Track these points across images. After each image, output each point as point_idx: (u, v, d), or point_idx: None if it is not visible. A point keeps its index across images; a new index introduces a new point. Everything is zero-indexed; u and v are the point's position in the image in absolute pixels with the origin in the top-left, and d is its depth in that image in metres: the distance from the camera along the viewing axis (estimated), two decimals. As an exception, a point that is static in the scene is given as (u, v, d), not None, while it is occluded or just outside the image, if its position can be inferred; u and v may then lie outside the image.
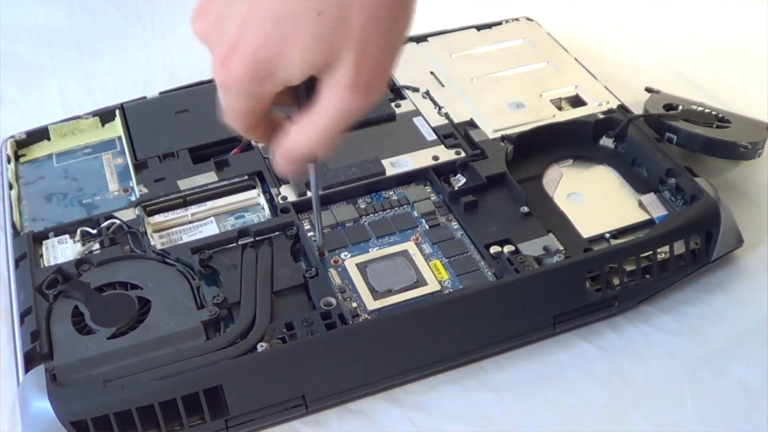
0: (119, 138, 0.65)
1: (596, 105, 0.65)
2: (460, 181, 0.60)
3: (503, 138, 0.62)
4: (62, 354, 0.48)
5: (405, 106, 0.67)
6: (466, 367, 0.51)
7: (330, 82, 0.38)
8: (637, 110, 0.65)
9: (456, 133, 0.63)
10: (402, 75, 0.70)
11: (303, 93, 0.40)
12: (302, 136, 0.40)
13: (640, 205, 0.58)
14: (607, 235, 0.56)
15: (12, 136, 0.65)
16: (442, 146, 0.62)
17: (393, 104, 0.66)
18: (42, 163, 0.64)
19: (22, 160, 0.64)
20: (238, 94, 0.39)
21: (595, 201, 0.59)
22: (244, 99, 0.39)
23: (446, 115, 0.65)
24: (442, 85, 0.69)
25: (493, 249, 0.54)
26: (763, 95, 0.71)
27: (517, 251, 0.54)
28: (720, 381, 0.50)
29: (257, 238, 0.56)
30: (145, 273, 0.53)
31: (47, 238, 0.56)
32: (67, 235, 0.57)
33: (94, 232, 0.56)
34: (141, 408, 0.45)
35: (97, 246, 0.55)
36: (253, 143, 0.63)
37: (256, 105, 0.40)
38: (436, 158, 0.61)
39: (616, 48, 0.80)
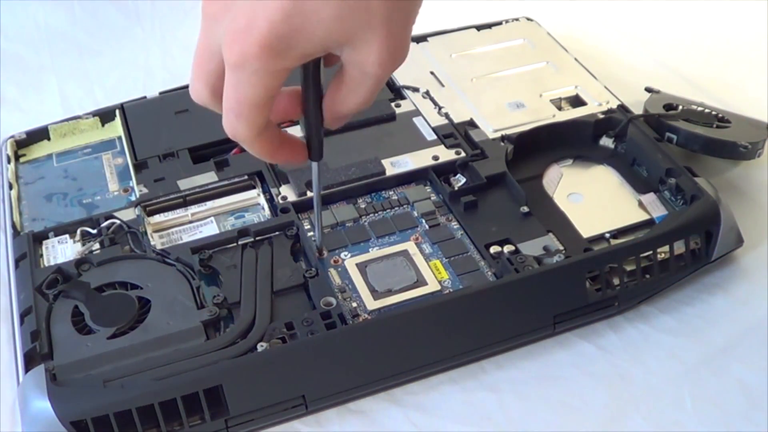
0: (119, 138, 0.65)
1: (596, 105, 0.65)
2: (460, 181, 0.60)
3: (503, 138, 0.62)
4: (62, 354, 0.48)
5: (405, 106, 0.67)
6: (466, 367, 0.51)
7: (356, 59, 0.39)
8: (637, 110, 0.65)
9: (456, 133, 0.63)
10: (402, 75, 0.70)
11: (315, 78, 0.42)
12: (340, 110, 0.42)
13: (640, 205, 0.58)
14: (607, 235, 0.56)
15: (12, 136, 0.65)
16: (442, 146, 0.62)
17: (393, 104, 0.66)
18: (42, 163, 0.64)
19: (22, 160, 0.64)
20: (253, 72, 0.38)
21: (595, 201, 0.59)
22: (258, 77, 0.38)
23: (446, 115, 0.65)
24: (442, 85, 0.69)
25: (493, 249, 0.54)
26: (763, 95, 0.71)
27: (517, 251, 0.54)
28: (720, 381, 0.50)
29: (257, 238, 0.56)
30: (145, 273, 0.53)
31: (47, 238, 0.56)
32: (67, 235, 0.57)
33: (94, 232, 0.56)
34: (141, 408, 0.45)
35: (97, 246, 0.55)
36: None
37: (271, 84, 0.39)
38: (436, 158, 0.61)
39: (616, 48, 0.80)
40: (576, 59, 0.71)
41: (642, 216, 0.57)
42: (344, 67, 0.40)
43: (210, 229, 0.57)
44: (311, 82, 0.43)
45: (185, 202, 0.59)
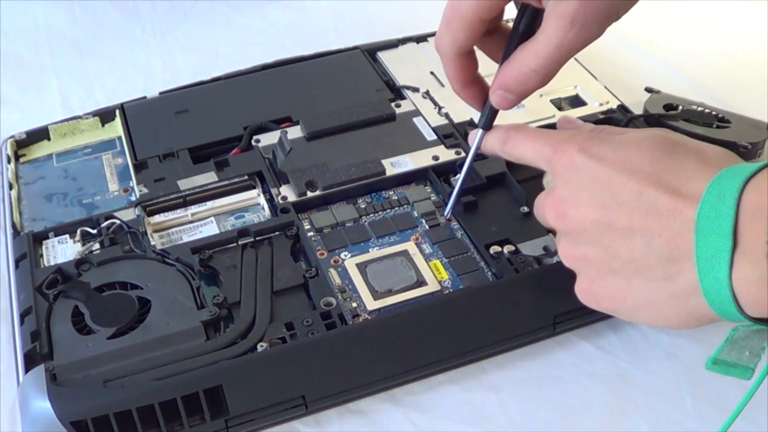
0: (119, 138, 0.65)
1: (596, 105, 0.65)
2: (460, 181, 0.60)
3: (503, 138, 0.62)
4: (62, 354, 0.48)
5: (405, 106, 0.67)
6: (466, 367, 0.51)
7: (555, 11, 0.42)
8: (637, 110, 0.65)
9: (456, 133, 0.63)
10: (402, 75, 0.70)
11: (523, 24, 0.45)
12: (522, 62, 0.44)
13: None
14: (607, 235, 0.56)
15: (12, 136, 0.65)
16: (442, 146, 0.62)
17: (393, 104, 0.66)
18: (42, 163, 0.64)
19: (22, 160, 0.64)
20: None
21: (595, 201, 0.59)
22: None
23: (446, 115, 0.65)
24: (442, 85, 0.69)
25: (493, 249, 0.54)
26: (763, 95, 0.71)
27: (517, 251, 0.54)
28: (720, 381, 0.50)
29: (257, 238, 0.56)
30: (145, 273, 0.53)
31: (47, 238, 0.56)
32: (67, 235, 0.57)
33: (94, 232, 0.56)
34: (141, 408, 0.45)
35: (97, 246, 0.55)
36: (252, 143, 0.63)
37: (481, 5, 0.44)
38: (436, 158, 0.61)
39: (616, 48, 0.80)
40: (576, 59, 0.71)
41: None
42: (540, 27, 0.43)
43: (210, 229, 0.57)
44: (518, 33, 0.46)
45: (185, 202, 0.59)
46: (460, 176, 0.54)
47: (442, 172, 0.60)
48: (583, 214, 0.42)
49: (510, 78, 0.45)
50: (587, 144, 0.43)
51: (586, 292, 0.44)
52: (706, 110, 0.65)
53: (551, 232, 0.55)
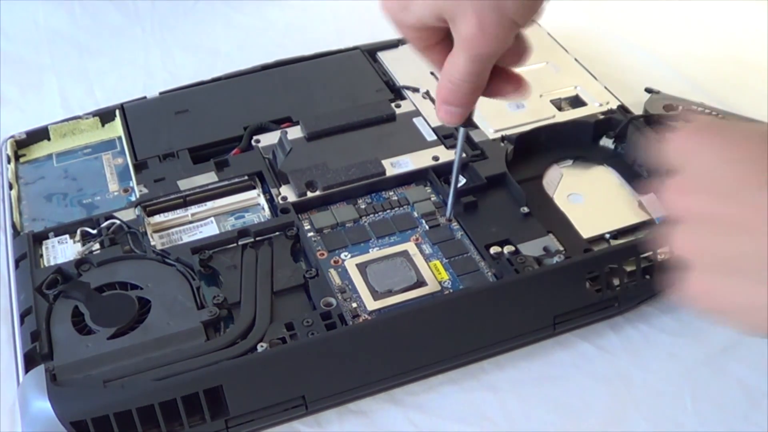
0: (119, 138, 0.65)
1: (596, 105, 0.65)
2: (460, 181, 0.60)
3: (503, 138, 0.62)
4: (62, 354, 0.48)
5: (405, 106, 0.67)
6: (466, 367, 0.51)
7: (454, 30, 0.44)
8: (637, 110, 0.65)
9: (456, 134, 0.63)
10: (402, 75, 0.70)
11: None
12: (449, 73, 0.46)
13: (640, 205, 0.58)
14: (607, 236, 0.56)
15: (12, 136, 0.65)
16: (442, 146, 0.62)
17: (393, 104, 0.66)
18: (42, 163, 0.64)
19: (22, 160, 0.64)
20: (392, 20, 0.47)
21: (595, 201, 0.59)
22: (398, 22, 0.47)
23: (446, 116, 0.65)
24: (442, 86, 0.69)
25: (493, 249, 0.54)
26: (763, 95, 0.71)
27: (517, 251, 0.54)
28: (720, 381, 0.50)
29: (257, 239, 0.56)
30: (145, 273, 0.53)
31: (47, 238, 0.56)
32: (67, 235, 0.57)
33: (94, 232, 0.56)
34: (141, 408, 0.45)
35: (97, 246, 0.55)
36: (252, 143, 0.63)
37: (407, 35, 0.47)
38: (436, 158, 0.61)
39: (616, 48, 0.80)
40: (576, 59, 0.71)
41: (642, 216, 0.57)
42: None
43: (210, 230, 0.57)
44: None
45: (185, 202, 0.59)
46: (453, 177, 0.54)
47: (442, 173, 0.60)
48: (698, 202, 0.40)
49: (445, 90, 0.47)
50: (712, 131, 0.40)
51: (690, 287, 0.41)
52: (706, 110, 0.65)
53: (551, 232, 0.56)
